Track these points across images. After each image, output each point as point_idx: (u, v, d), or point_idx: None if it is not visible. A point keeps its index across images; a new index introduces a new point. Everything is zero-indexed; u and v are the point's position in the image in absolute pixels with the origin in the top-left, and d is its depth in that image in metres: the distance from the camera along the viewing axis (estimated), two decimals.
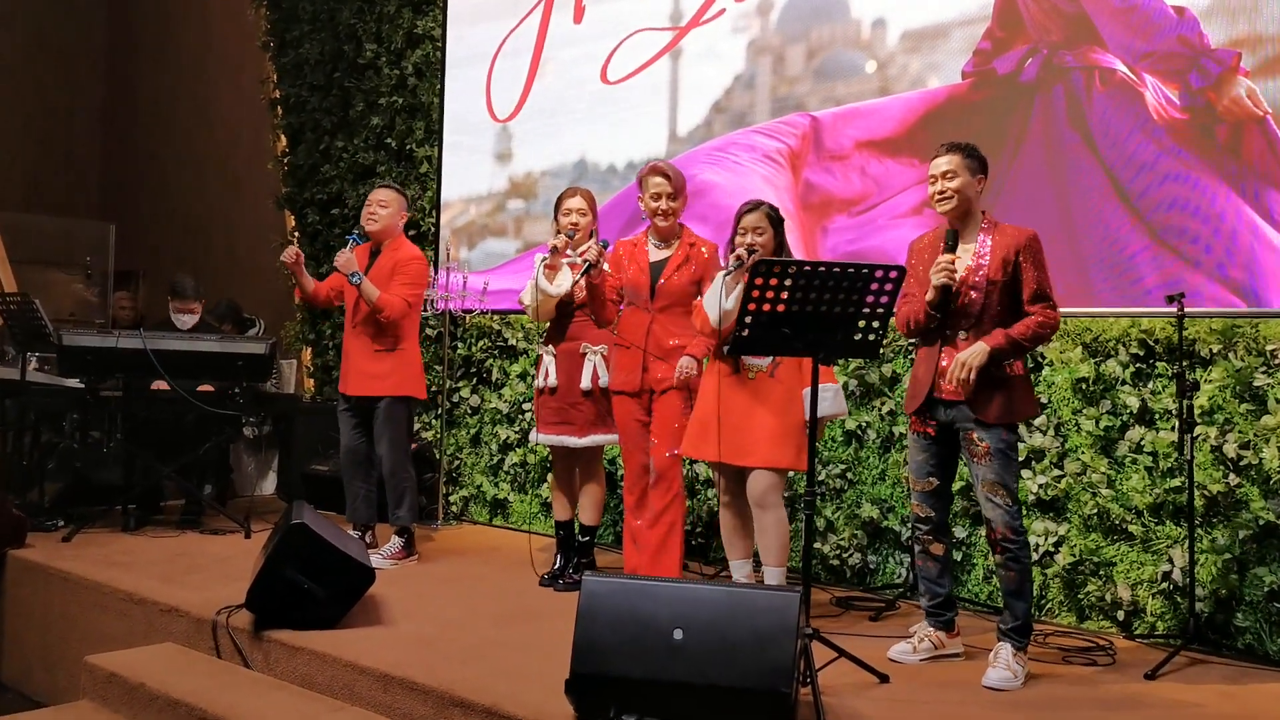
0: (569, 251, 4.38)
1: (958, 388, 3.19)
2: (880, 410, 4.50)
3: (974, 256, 3.25)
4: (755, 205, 3.75)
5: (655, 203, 4.01)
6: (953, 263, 3.21)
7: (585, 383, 4.29)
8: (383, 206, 4.73)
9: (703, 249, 4.05)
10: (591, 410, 4.30)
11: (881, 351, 3.92)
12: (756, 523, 3.72)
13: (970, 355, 3.15)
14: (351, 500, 4.84)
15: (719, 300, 3.60)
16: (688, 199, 4.12)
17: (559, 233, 4.35)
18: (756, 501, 3.69)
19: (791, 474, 4.08)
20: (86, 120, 10.32)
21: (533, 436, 4.49)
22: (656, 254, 4.07)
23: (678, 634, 2.72)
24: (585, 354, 4.31)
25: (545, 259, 4.22)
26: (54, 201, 9.29)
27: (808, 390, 3.53)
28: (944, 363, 3.26)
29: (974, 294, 3.22)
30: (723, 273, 3.64)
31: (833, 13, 4.82)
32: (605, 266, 4.04)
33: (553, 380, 4.36)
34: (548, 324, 4.44)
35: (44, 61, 9.93)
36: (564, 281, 4.24)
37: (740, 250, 3.64)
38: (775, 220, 3.73)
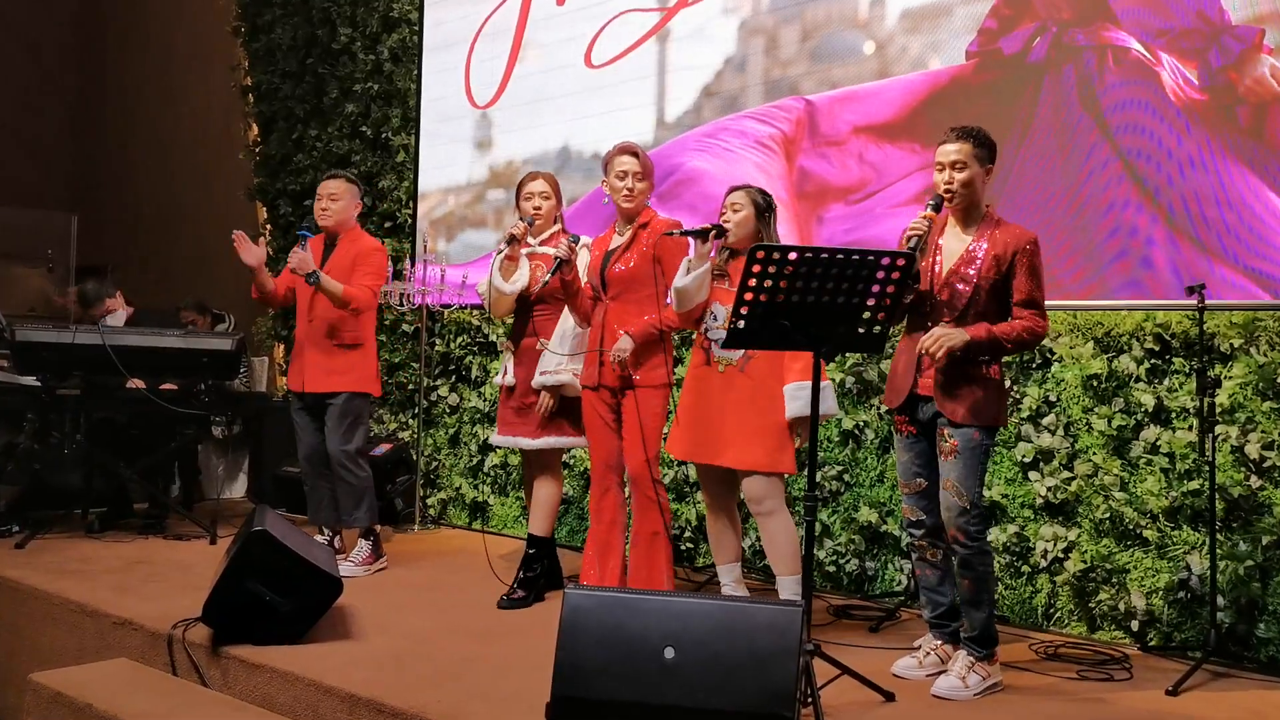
0: (530, 240, 4.11)
1: (927, 359, 3.05)
2: (879, 409, 4.28)
3: (968, 249, 3.09)
4: (741, 186, 3.58)
5: (620, 181, 3.72)
6: (929, 219, 3.06)
7: (536, 380, 4.02)
8: (334, 199, 4.49)
9: (659, 227, 3.74)
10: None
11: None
12: (761, 531, 3.53)
13: (948, 335, 2.97)
14: (315, 503, 4.60)
15: (681, 280, 3.42)
16: (671, 186, 3.83)
17: (521, 219, 4.11)
18: (754, 509, 3.50)
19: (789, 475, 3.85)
20: (53, 109, 9.99)
21: (491, 438, 4.28)
22: (616, 240, 3.81)
23: (669, 653, 2.51)
24: (542, 350, 4.03)
25: (504, 250, 3.98)
26: (17, 192, 8.97)
27: (789, 386, 3.38)
28: (925, 358, 3.11)
29: (961, 286, 3.07)
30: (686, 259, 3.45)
31: None
32: (575, 261, 3.76)
33: (510, 378, 4.11)
34: (510, 319, 4.21)
35: (9, 47, 9.60)
36: (521, 277, 4.00)
37: (707, 224, 3.45)
38: (759, 204, 3.50)
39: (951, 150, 3.10)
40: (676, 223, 3.79)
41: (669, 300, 3.54)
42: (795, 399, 3.37)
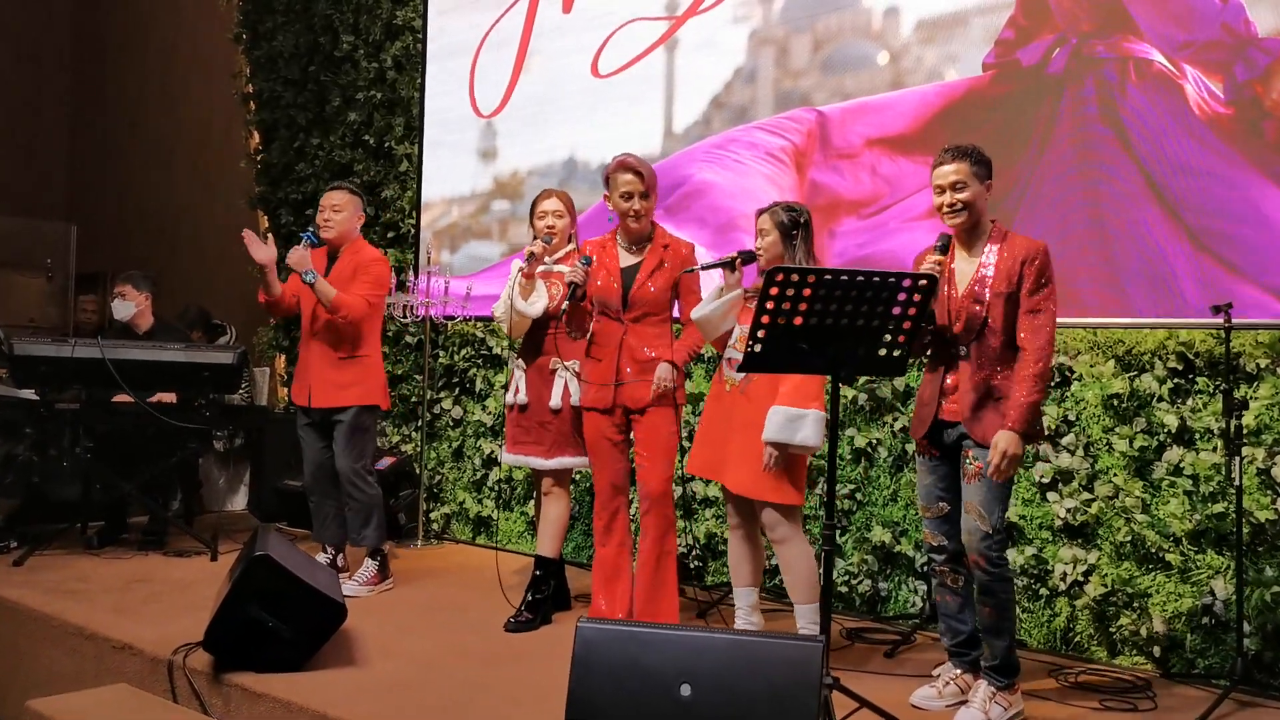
0: (545, 259, 4.04)
1: (950, 385, 3.04)
2: (892, 427, 4.20)
3: (979, 268, 3.02)
4: (769, 207, 3.48)
5: (626, 203, 3.65)
6: (939, 264, 2.96)
7: (555, 401, 3.95)
8: (336, 211, 4.40)
9: (682, 249, 3.73)
10: (560, 430, 3.96)
11: None
12: (778, 558, 3.45)
13: (1007, 444, 2.88)
14: (320, 520, 4.51)
15: (705, 308, 3.38)
16: (679, 199, 3.76)
17: (536, 238, 4.04)
18: (769, 535, 3.42)
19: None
20: (50, 115, 9.90)
21: (501, 456, 4.21)
22: (627, 258, 3.72)
23: (685, 689, 2.42)
24: (556, 370, 3.97)
25: (523, 267, 3.91)
26: (16, 201, 8.87)
27: (774, 409, 3.26)
28: (949, 383, 3.04)
29: (976, 307, 2.99)
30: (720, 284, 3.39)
31: (841, 0, 4.51)
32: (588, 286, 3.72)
33: (523, 397, 4.03)
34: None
35: (5, 53, 9.51)
36: (540, 298, 3.93)
37: (733, 253, 3.42)
38: (784, 224, 3.40)
39: (949, 171, 3.02)
40: (689, 245, 3.75)
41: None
42: (771, 422, 3.27)
